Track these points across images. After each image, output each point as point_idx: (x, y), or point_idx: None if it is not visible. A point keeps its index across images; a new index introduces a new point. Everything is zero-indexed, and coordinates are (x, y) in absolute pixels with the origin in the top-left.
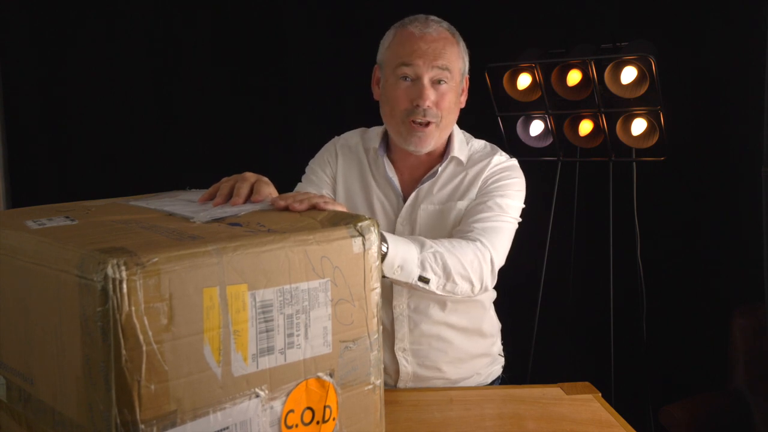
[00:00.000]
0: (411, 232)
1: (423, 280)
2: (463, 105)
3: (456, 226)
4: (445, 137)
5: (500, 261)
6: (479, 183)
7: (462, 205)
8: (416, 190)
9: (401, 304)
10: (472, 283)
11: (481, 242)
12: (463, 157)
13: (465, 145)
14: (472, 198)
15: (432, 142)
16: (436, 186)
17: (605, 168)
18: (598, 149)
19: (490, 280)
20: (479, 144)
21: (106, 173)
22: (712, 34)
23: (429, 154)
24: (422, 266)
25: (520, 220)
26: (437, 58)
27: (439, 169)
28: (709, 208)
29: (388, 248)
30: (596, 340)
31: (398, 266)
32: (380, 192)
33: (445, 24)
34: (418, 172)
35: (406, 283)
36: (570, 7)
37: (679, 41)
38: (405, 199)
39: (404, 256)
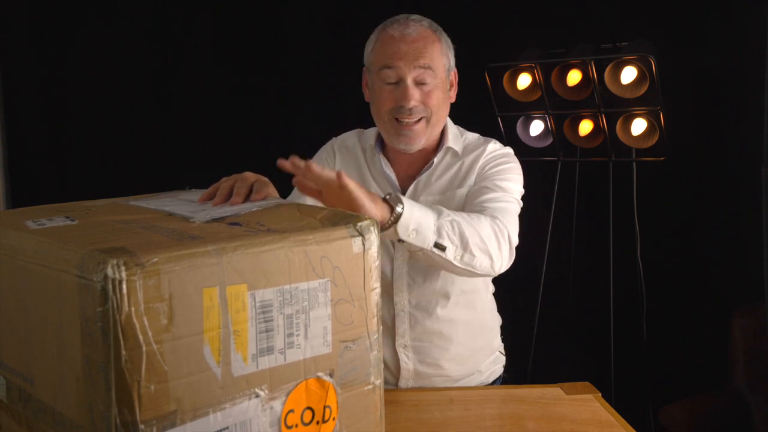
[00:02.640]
0: None
1: (439, 247)
2: (453, 100)
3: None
4: (437, 133)
5: (516, 240)
6: (476, 169)
7: (462, 192)
8: (414, 182)
9: (402, 300)
10: (491, 258)
11: (498, 219)
12: (458, 148)
13: (459, 137)
14: (471, 185)
15: (422, 139)
16: (433, 177)
17: (605, 168)
18: (598, 149)
19: (509, 258)
20: (473, 136)
21: (106, 173)
22: (712, 34)
23: (423, 149)
24: (438, 233)
25: (522, 204)
26: (418, 58)
27: (435, 160)
28: (709, 208)
29: (403, 209)
30: (596, 340)
31: (413, 229)
32: (378, 188)
33: (426, 22)
34: (414, 167)
35: (422, 250)
36: (570, 7)
37: (679, 41)
38: (403, 194)
39: (419, 219)
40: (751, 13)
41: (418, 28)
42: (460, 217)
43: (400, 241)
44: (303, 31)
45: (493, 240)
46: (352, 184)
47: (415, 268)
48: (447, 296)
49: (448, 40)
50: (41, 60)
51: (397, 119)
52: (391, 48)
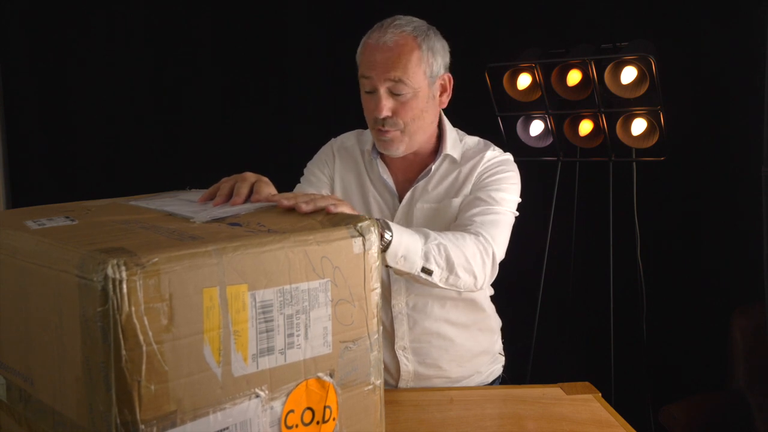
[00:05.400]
0: None
1: (426, 271)
2: (444, 105)
3: (453, 223)
4: (421, 140)
5: (501, 254)
6: (473, 178)
7: (457, 202)
8: (411, 189)
9: (400, 302)
10: (475, 277)
11: (483, 236)
12: (457, 155)
13: (458, 143)
14: (467, 194)
15: (401, 147)
16: (430, 184)
17: (605, 168)
18: (598, 149)
19: (491, 274)
20: (472, 140)
21: (107, 173)
22: (712, 34)
23: (420, 154)
24: (425, 258)
25: (517, 214)
26: (388, 70)
27: (433, 167)
28: (709, 208)
29: (392, 237)
30: (596, 340)
31: (401, 256)
32: (376, 192)
33: (410, 27)
34: (411, 172)
35: (409, 274)
36: (570, 7)
37: (679, 41)
38: (400, 199)
39: (408, 246)
40: (751, 13)
41: (395, 35)
42: (446, 239)
43: (387, 266)
44: (302, 32)
45: (478, 258)
46: (344, 210)
47: None
48: (445, 298)
49: (435, 45)
50: (41, 60)
51: (378, 128)
52: (367, 56)
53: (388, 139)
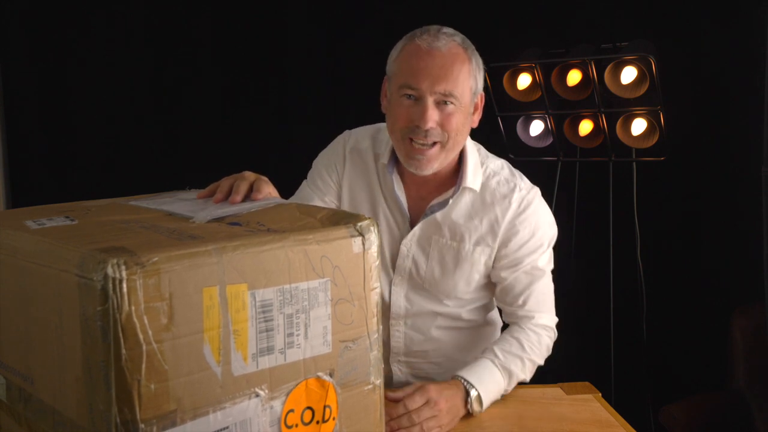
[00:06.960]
0: (414, 259)
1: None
2: (475, 125)
3: (469, 271)
4: (451, 158)
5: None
6: (501, 229)
7: (480, 251)
8: (425, 220)
9: (399, 323)
10: (536, 367)
11: (544, 327)
12: (477, 185)
13: (479, 169)
14: (490, 245)
15: (435, 165)
16: (449, 218)
17: (605, 168)
18: (598, 149)
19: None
20: (496, 165)
21: (107, 173)
22: (712, 34)
23: (438, 172)
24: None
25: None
26: (442, 81)
27: (451, 201)
28: (709, 208)
29: (481, 408)
30: (596, 340)
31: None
32: (387, 209)
33: (459, 38)
34: (426, 190)
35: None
36: (570, 7)
37: (679, 41)
38: (411, 221)
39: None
40: (751, 13)
41: (448, 42)
42: (527, 366)
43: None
44: (302, 33)
45: (545, 351)
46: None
47: (413, 292)
48: (446, 318)
49: (479, 60)
50: (41, 60)
51: (411, 139)
52: (416, 62)
53: (425, 157)
